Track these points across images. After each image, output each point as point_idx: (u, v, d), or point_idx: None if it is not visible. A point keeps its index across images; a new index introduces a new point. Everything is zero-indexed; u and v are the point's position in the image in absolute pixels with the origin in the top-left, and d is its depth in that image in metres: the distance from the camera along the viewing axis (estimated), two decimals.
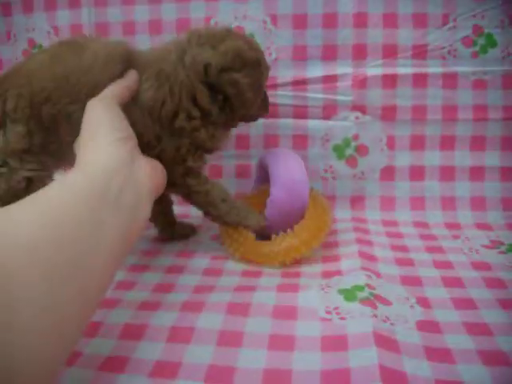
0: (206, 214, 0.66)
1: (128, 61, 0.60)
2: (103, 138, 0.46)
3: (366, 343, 0.43)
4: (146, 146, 0.59)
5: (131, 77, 0.58)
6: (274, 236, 0.63)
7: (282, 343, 0.45)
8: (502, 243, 0.68)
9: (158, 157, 0.59)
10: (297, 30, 0.81)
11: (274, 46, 0.82)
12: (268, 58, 0.81)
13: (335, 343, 0.44)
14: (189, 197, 0.65)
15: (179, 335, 0.47)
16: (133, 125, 0.53)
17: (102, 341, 0.46)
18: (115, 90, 0.54)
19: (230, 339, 0.46)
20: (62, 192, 0.38)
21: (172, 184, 0.61)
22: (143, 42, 0.83)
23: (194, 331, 0.47)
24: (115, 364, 0.43)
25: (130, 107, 0.57)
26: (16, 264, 0.30)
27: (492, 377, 0.40)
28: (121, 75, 0.58)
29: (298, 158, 0.68)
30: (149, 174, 0.48)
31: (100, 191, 0.39)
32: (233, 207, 0.65)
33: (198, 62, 0.61)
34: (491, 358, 0.42)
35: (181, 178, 0.63)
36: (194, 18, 0.82)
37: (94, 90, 0.56)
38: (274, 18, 0.81)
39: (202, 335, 0.46)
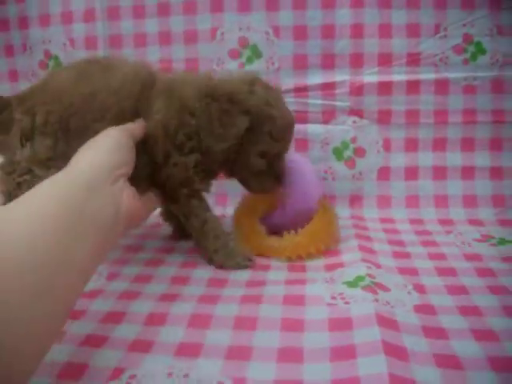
0: (196, 243, 0.68)
1: (150, 84, 0.65)
2: (102, 152, 0.50)
3: (369, 323, 0.48)
4: (157, 165, 0.64)
5: (142, 122, 0.62)
6: (285, 233, 0.68)
7: (293, 325, 0.49)
8: (492, 237, 0.73)
9: (166, 179, 0.64)
10: (297, 40, 0.86)
11: (277, 55, 0.87)
12: (271, 67, 0.87)
13: (341, 324, 0.49)
14: (188, 218, 0.66)
15: (199, 321, 0.51)
16: (145, 141, 0.60)
17: (127, 326, 0.51)
18: (131, 126, 0.59)
19: (245, 324, 0.50)
20: (45, 200, 0.40)
21: (176, 201, 0.66)
22: (154, 53, 0.88)
23: (212, 318, 0.51)
24: (142, 346, 0.47)
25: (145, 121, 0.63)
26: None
27: (484, 351, 0.44)
28: (142, 96, 0.63)
29: (314, 169, 0.75)
30: (128, 198, 0.49)
31: (81, 204, 0.42)
32: (223, 247, 0.65)
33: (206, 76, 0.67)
34: (482, 335, 0.47)
35: (186, 198, 0.65)
36: (200, 30, 0.87)
37: (119, 113, 0.61)
38: (277, 30, 0.86)
39: (220, 321, 0.51)
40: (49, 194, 0.40)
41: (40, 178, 0.58)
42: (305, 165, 0.74)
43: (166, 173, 0.64)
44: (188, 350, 0.46)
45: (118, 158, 0.50)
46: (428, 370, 0.42)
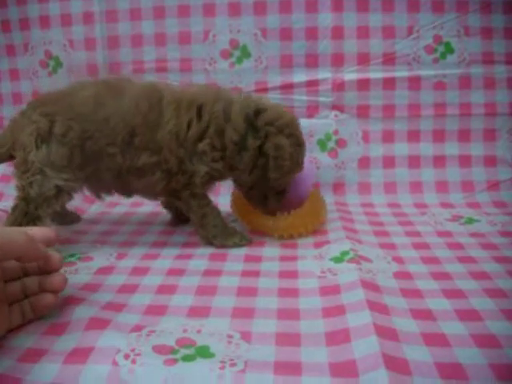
0: (196, 232, 0.73)
1: (158, 98, 0.68)
2: None
3: (355, 287, 0.55)
4: (167, 173, 0.68)
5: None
6: (279, 213, 0.74)
7: (289, 293, 0.56)
8: (461, 217, 0.81)
9: (175, 183, 0.69)
10: (283, 41, 0.93)
11: (265, 55, 0.94)
12: (259, 66, 0.94)
13: (331, 290, 0.56)
14: (187, 212, 0.72)
15: (205, 290, 0.57)
16: (159, 151, 0.66)
17: (142, 295, 0.56)
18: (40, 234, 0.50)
19: (247, 291, 0.57)
20: None
21: (179, 198, 0.71)
22: (150, 53, 0.95)
23: (217, 288, 0.58)
24: (157, 310, 0.53)
25: (158, 132, 0.67)
26: None
27: (452, 306, 0.52)
28: (151, 111, 0.67)
29: (309, 163, 0.80)
30: None
31: None
32: (222, 232, 0.71)
33: (249, 104, 0.70)
34: (452, 293, 0.55)
35: (187, 197, 0.70)
36: (193, 31, 0.94)
37: (129, 135, 0.66)
38: (264, 32, 0.93)
39: (224, 290, 0.57)
40: None
41: (50, 179, 0.66)
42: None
43: (176, 179, 0.69)
44: (198, 312, 0.52)
45: None
46: (407, 322, 0.49)
